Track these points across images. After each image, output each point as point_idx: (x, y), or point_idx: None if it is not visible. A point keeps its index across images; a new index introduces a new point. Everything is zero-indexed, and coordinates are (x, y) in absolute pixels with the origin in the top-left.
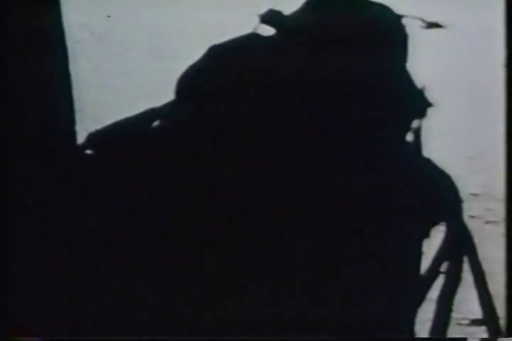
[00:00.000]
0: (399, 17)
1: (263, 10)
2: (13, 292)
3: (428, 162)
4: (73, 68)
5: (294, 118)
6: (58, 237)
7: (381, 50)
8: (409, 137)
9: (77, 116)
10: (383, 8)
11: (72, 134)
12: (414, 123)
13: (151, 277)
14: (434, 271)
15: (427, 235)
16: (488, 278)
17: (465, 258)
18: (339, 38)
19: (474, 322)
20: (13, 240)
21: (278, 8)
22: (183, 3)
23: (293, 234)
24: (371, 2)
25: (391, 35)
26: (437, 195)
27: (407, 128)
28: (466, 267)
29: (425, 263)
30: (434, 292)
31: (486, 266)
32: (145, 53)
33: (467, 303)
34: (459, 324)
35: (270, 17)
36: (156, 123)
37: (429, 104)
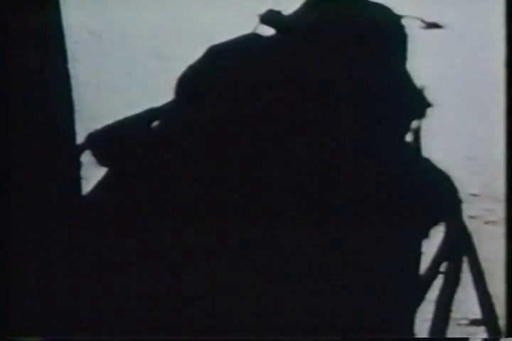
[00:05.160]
0: (399, 17)
1: (263, 10)
2: (13, 292)
3: (428, 162)
4: (72, 68)
5: (293, 118)
6: (58, 237)
7: (381, 50)
8: (409, 137)
9: (77, 116)
10: (383, 8)
11: (72, 134)
12: (414, 124)
13: (151, 277)
14: (433, 271)
15: (426, 235)
16: (488, 279)
17: (464, 259)
18: (339, 39)
19: (474, 323)
20: (13, 240)
21: (277, 8)
22: (183, 3)
23: (293, 234)
24: (371, 2)
25: (391, 35)
26: (437, 196)
27: (407, 129)
28: (465, 267)
29: (425, 264)
30: (434, 292)
31: (485, 266)
32: (144, 53)
33: (466, 303)
34: (459, 324)
35: (270, 17)
36: (155, 123)
37: (429, 105)
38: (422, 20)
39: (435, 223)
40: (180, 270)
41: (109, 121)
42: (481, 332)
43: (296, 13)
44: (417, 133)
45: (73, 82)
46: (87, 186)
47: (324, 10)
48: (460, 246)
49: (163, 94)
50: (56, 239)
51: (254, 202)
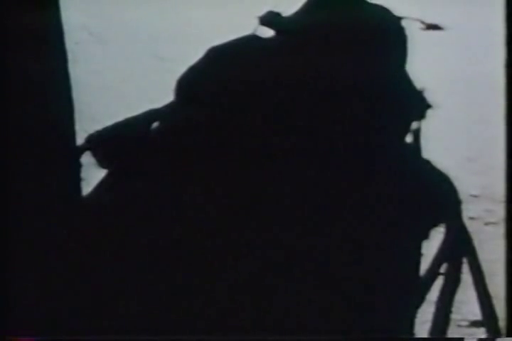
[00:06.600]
0: (398, 18)
1: (262, 12)
2: (13, 292)
3: (428, 163)
4: (72, 69)
5: (293, 119)
6: (58, 237)
7: (380, 51)
8: (409, 138)
9: (77, 117)
10: (382, 9)
11: (72, 135)
12: (414, 125)
13: (151, 277)
14: (433, 272)
15: (426, 236)
16: (488, 280)
17: (465, 260)
18: (338, 40)
19: (474, 324)
20: (13, 240)
21: (277, 10)
22: (183, 4)
23: (292, 234)
24: (370, 3)
25: (390, 36)
26: (437, 197)
27: (407, 130)
28: (465, 268)
29: (425, 265)
30: (434, 293)
31: (485, 267)
32: (144, 54)
33: (467, 305)
34: (459, 325)
35: (269, 19)
36: (155, 124)
37: (429, 106)
38: (422, 22)
39: (435, 224)
40: (181, 270)
41: (109, 121)
42: (481, 333)
43: (295, 14)
44: (416, 134)
45: (73, 82)
46: (87, 187)
47: (324, 11)
48: (460, 247)
49: (164, 95)
50: (56, 239)
51: (254, 201)
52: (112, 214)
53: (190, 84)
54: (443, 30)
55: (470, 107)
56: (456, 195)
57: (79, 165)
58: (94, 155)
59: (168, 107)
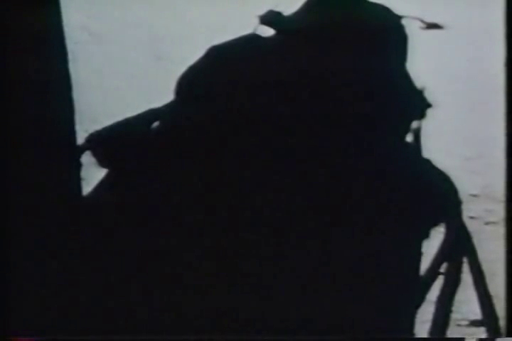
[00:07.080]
0: (398, 18)
1: (263, 11)
2: (13, 292)
3: (428, 163)
4: (73, 69)
5: (293, 118)
6: (58, 237)
7: (381, 50)
8: (409, 138)
9: (77, 117)
10: (383, 8)
11: (72, 135)
12: (414, 124)
13: (151, 277)
14: (433, 272)
15: (426, 236)
16: (488, 279)
17: (465, 259)
18: (339, 39)
19: (474, 323)
20: (13, 240)
21: (277, 9)
22: (183, 4)
23: (292, 234)
24: (370, 3)
25: (390, 35)
26: (437, 196)
27: (407, 129)
28: (465, 268)
29: (425, 264)
30: (434, 293)
31: (485, 267)
32: (144, 54)
33: (467, 304)
34: (459, 325)
35: (270, 18)
36: (155, 124)
37: (429, 105)
38: (422, 21)
39: (435, 223)
40: (180, 270)
41: (110, 122)
42: (481, 333)
43: (296, 13)
44: (417, 133)
45: (73, 82)
46: (87, 187)
47: (324, 10)
48: (460, 246)
49: (164, 95)
50: (56, 239)
51: (254, 201)
52: (112, 214)
53: (190, 84)
54: (443, 30)
55: (470, 106)
56: (456, 194)
57: (79, 165)
58: (94, 155)
59: (168, 107)
